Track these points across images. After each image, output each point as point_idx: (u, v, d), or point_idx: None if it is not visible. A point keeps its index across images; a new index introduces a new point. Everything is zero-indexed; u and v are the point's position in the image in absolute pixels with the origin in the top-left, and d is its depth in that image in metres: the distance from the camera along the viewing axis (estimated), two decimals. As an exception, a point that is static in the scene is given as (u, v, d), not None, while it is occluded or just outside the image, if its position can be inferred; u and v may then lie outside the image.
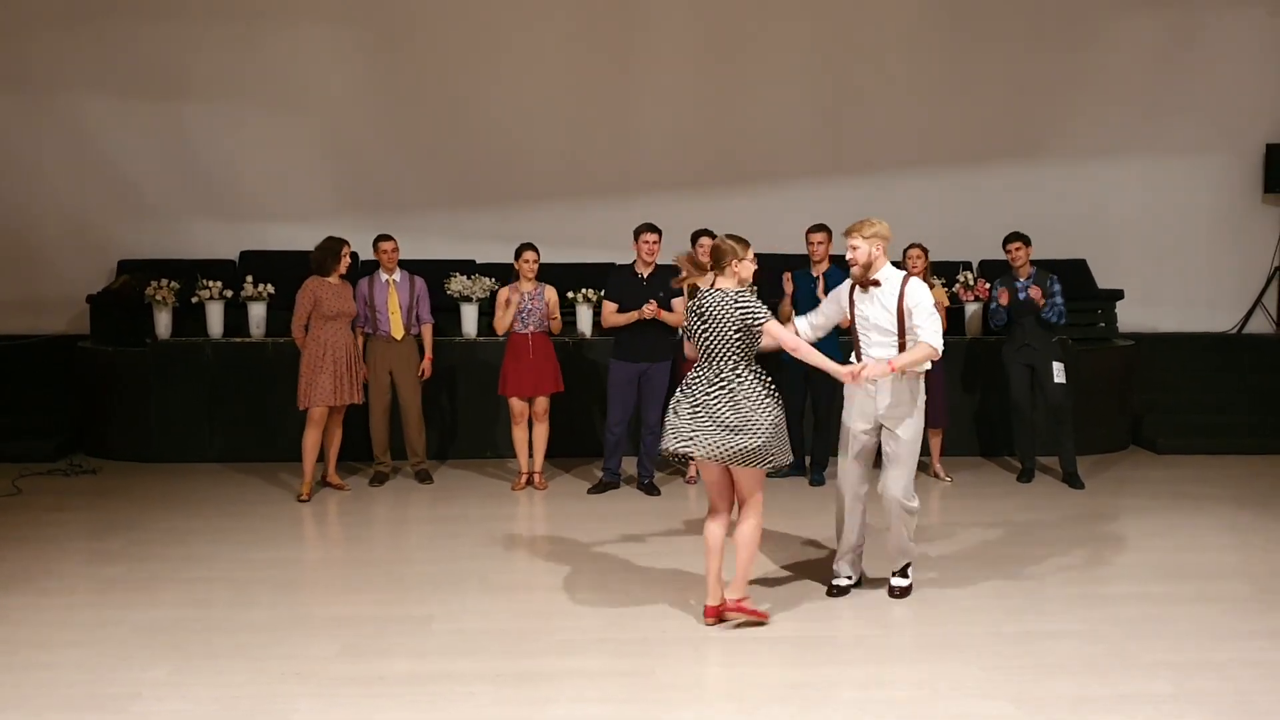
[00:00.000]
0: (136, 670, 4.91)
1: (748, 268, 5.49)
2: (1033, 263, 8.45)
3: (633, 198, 10.67)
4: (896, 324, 5.68)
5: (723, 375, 5.30)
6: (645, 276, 7.97)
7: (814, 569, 6.36)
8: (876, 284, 5.70)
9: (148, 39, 10.77)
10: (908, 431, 5.75)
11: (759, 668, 4.99)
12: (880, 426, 5.79)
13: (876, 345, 5.73)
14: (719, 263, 5.44)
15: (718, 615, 5.47)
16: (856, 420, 5.81)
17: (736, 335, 5.29)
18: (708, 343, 5.34)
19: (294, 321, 8.00)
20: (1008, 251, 8.43)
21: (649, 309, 7.79)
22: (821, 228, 8.28)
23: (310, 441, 8.02)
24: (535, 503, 7.98)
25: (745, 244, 5.50)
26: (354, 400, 8.08)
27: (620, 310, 7.94)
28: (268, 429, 9.02)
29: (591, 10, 11.05)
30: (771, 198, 10.97)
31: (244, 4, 10.85)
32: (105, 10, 10.77)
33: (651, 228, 8.00)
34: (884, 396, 5.71)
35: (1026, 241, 8.40)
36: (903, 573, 6.00)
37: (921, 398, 5.83)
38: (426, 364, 8.37)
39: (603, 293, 8.30)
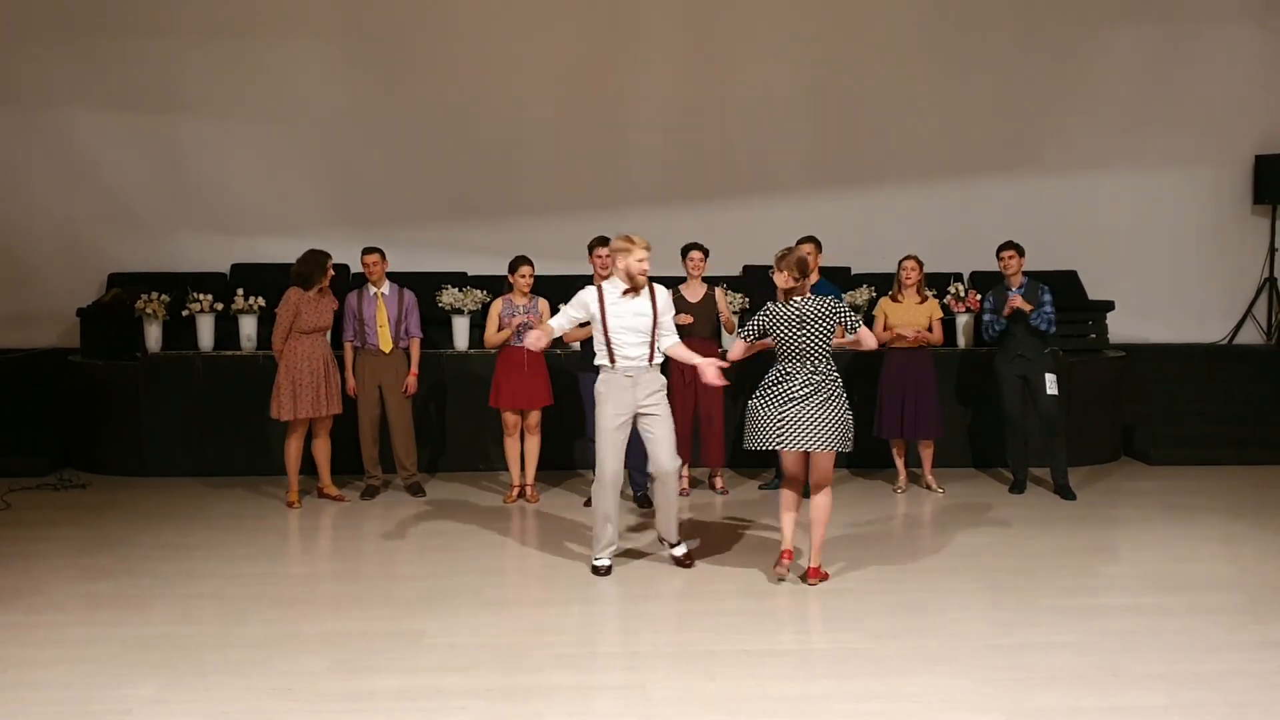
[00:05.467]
0: (126, 687, 4.88)
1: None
2: (1024, 274, 8.46)
3: (625, 210, 10.69)
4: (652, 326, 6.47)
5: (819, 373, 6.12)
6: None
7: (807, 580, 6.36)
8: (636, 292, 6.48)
9: (139, 54, 10.78)
10: (665, 410, 6.50)
11: (752, 681, 4.98)
12: (635, 415, 6.44)
13: (633, 345, 6.43)
14: (805, 272, 6.21)
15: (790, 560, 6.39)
16: (613, 417, 6.39)
17: (828, 336, 6.15)
18: (802, 343, 6.09)
19: (275, 332, 8.01)
20: (1000, 260, 8.43)
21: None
22: (810, 239, 8.30)
23: (292, 452, 8.11)
24: (527, 516, 7.96)
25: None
26: (334, 411, 8.10)
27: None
28: (258, 442, 9.00)
29: (582, 25, 11.07)
30: (763, 210, 10.99)
31: (234, 19, 10.85)
32: (97, 26, 10.77)
33: (604, 242, 7.97)
34: (642, 388, 6.43)
35: (1020, 251, 8.41)
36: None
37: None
38: (411, 379, 8.34)
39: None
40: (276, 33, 10.90)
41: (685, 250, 8.18)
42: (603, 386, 6.47)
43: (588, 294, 6.55)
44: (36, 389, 9.96)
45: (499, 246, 9.69)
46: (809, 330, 6.13)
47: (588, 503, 8.14)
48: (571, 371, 8.59)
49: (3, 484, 8.67)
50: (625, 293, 6.46)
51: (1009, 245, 8.45)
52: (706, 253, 8.19)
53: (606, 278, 7.89)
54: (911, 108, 11.21)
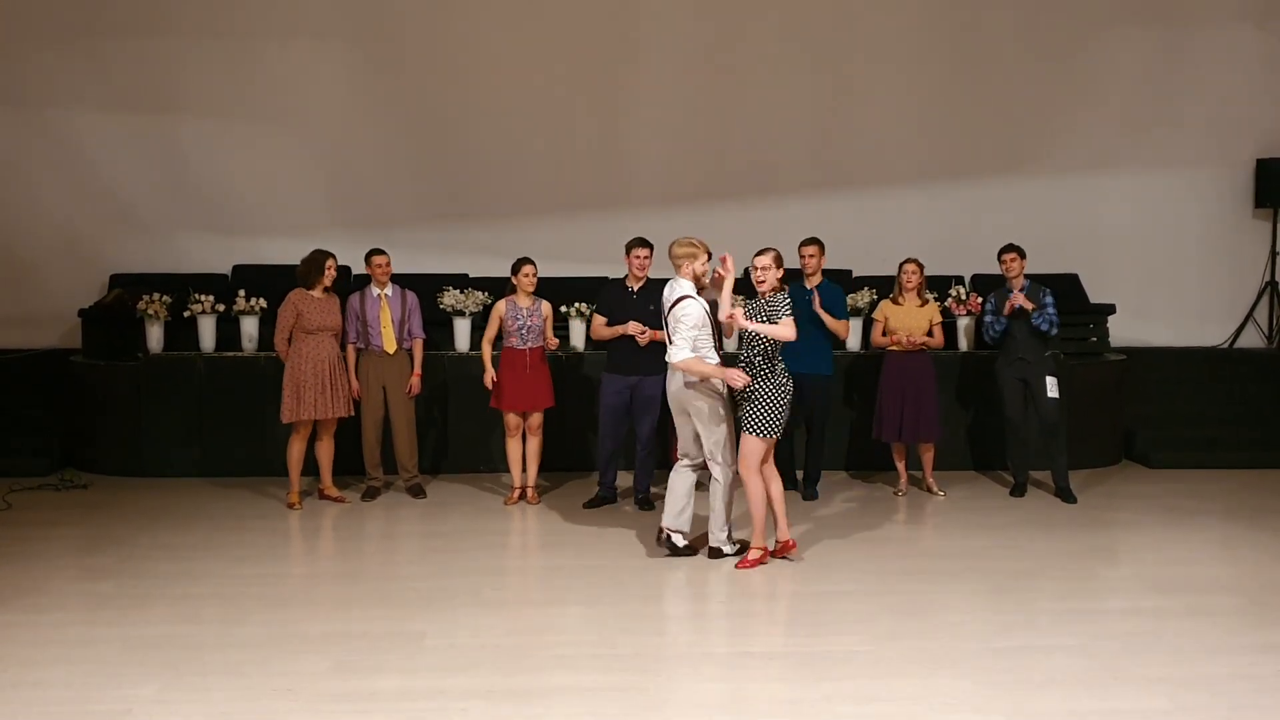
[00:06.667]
0: (127, 687, 4.88)
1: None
2: (1025, 277, 8.46)
3: (625, 211, 10.70)
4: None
5: None
6: (635, 291, 7.97)
7: (809, 583, 6.36)
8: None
9: (140, 55, 10.79)
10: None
11: (753, 683, 4.98)
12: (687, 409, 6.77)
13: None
14: None
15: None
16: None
17: None
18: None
19: (276, 335, 8.02)
20: (1002, 263, 8.43)
21: (635, 328, 7.77)
22: (813, 241, 8.30)
23: (295, 452, 8.09)
24: (528, 517, 7.97)
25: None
26: (341, 413, 8.08)
27: (609, 324, 7.95)
28: (259, 443, 8.99)
29: (583, 25, 11.08)
30: (764, 211, 11.00)
31: (236, 21, 10.87)
32: (98, 27, 10.79)
33: (643, 242, 7.99)
34: None
35: (1021, 253, 8.41)
36: None
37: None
38: (415, 380, 8.34)
39: (594, 306, 8.31)
40: (277, 33, 10.91)
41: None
42: (712, 387, 6.64)
43: (699, 308, 6.62)
44: (38, 389, 9.96)
45: (500, 248, 9.70)
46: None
47: (588, 504, 8.17)
48: (590, 375, 8.59)
49: (4, 484, 8.66)
50: (700, 292, 6.71)
51: (1011, 248, 8.44)
52: (709, 254, 8.19)
53: (641, 279, 7.94)
54: (912, 110, 11.21)
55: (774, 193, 11.14)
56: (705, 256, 6.74)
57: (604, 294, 8.15)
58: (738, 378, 6.41)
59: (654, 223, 9.92)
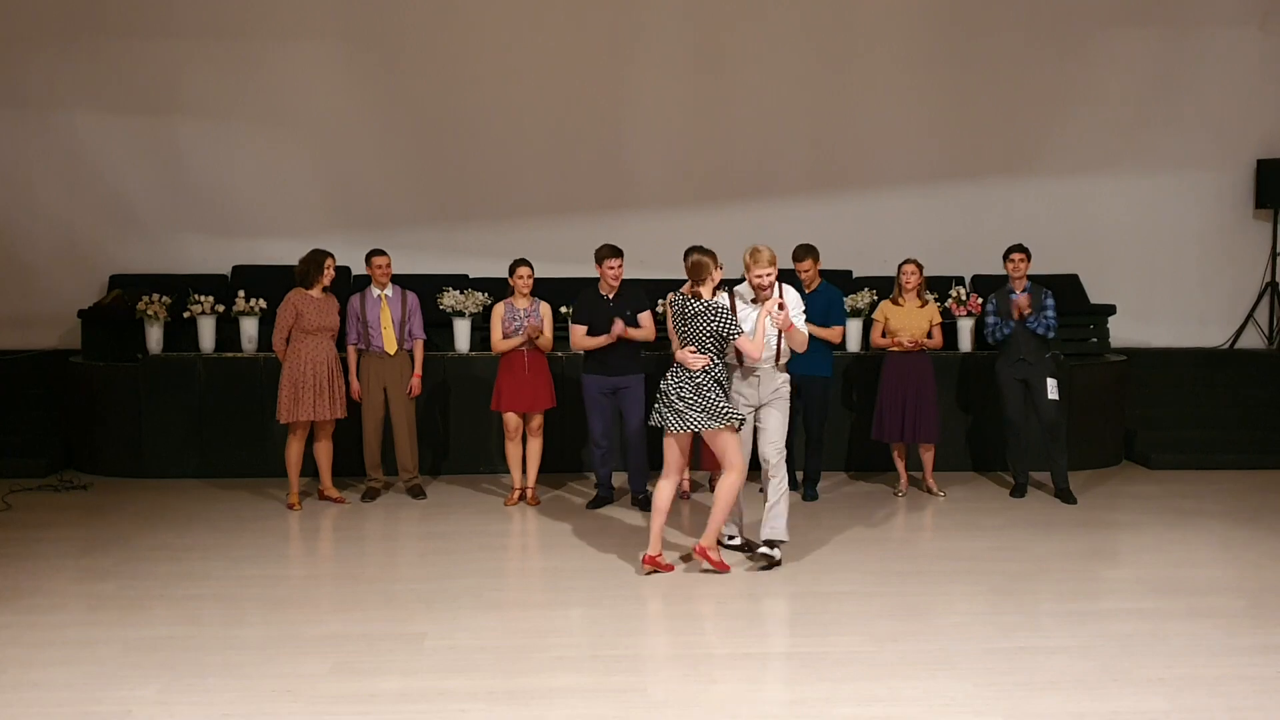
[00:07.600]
0: (126, 689, 4.88)
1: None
2: (1027, 277, 8.45)
3: (626, 212, 10.70)
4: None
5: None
6: (610, 298, 7.95)
7: (809, 584, 6.36)
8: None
9: (140, 56, 10.78)
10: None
11: (752, 685, 4.98)
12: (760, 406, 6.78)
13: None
14: (699, 279, 6.56)
15: (654, 564, 6.48)
16: (744, 407, 6.73)
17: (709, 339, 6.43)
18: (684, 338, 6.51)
19: (275, 334, 8.01)
20: (1010, 262, 8.40)
21: (616, 328, 7.77)
22: (807, 255, 8.22)
23: (294, 453, 8.09)
24: (528, 518, 7.97)
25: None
26: (336, 415, 8.08)
27: (590, 333, 7.92)
28: (259, 444, 9.00)
29: (582, 27, 11.07)
30: (764, 212, 10.98)
31: (236, 22, 10.85)
32: (98, 27, 10.77)
33: (615, 252, 7.93)
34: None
35: (1028, 254, 8.40)
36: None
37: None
38: (415, 381, 8.34)
39: (571, 313, 8.24)
40: (277, 34, 10.90)
41: (688, 254, 8.12)
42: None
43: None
44: (38, 390, 9.96)
45: (500, 248, 9.70)
46: (691, 326, 6.47)
47: (589, 505, 8.17)
48: (574, 376, 8.58)
49: (4, 485, 8.67)
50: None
51: (1018, 248, 8.43)
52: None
53: (615, 289, 7.91)
54: (913, 111, 11.20)
55: (774, 193, 11.12)
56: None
57: (580, 303, 8.09)
58: (688, 359, 6.39)
59: (654, 223, 9.96)
